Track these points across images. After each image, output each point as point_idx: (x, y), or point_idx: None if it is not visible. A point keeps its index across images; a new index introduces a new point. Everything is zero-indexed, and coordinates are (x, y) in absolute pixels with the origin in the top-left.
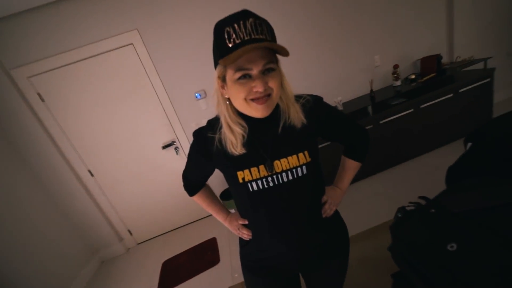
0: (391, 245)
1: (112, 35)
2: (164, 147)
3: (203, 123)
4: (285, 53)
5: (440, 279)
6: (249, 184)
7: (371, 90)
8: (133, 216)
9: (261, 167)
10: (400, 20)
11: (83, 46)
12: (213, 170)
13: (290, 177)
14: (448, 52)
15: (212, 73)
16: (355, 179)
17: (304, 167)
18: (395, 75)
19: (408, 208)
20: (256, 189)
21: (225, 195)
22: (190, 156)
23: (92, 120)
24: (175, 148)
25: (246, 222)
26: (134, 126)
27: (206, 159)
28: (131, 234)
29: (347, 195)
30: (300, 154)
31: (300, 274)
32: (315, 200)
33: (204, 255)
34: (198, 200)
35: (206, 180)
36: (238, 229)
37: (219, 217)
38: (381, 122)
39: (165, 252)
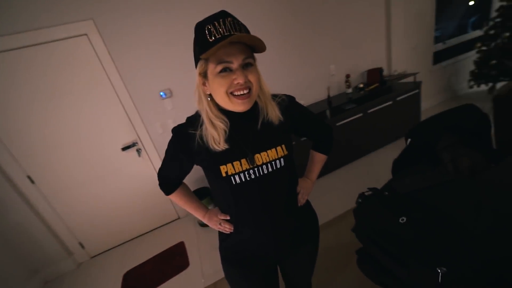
0: (354, 226)
1: (63, 22)
2: (124, 148)
3: (169, 123)
4: (262, 47)
5: (394, 248)
6: (232, 178)
7: (328, 96)
8: (85, 227)
9: (243, 160)
10: (351, 35)
11: (27, 31)
12: (191, 168)
13: (270, 169)
14: (387, 66)
15: (179, 72)
16: (333, 168)
17: (282, 159)
18: (347, 83)
19: (366, 194)
20: (239, 181)
21: (197, 195)
22: (169, 153)
23: (34, 117)
24: (137, 150)
25: (228, 217)
26: (88, 125)
27: (187, 156)
28: (82, 247)
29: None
30: (278, 148)
31: (277, 264)
32: (291, 190)
33: (172, 260)
34: (175, 199)
35: (184, 178)
36: (220, 224)
37: (197, 214)
38: (337, 124)
39: (126, 262)
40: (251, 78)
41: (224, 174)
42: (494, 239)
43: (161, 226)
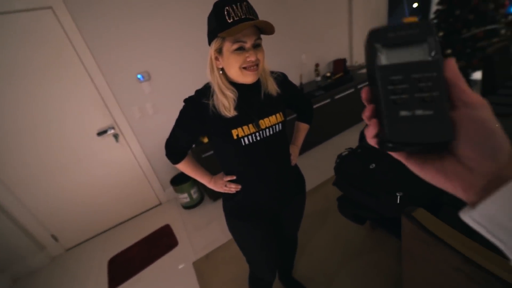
0: (335, 180)
1: None
2: (100, 133)
3: (147, 108)
4: (272, 31)
5: (368, 186)
6: (242, 140)
7: (301, 83)
8: (59, 218)
9: (250, 125)
10: (319, 29)
11: None
12: (200, 136)
13: (272, 132)
14: (350, 58)
15: (158, 54)
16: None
17: (280, 124)
18: (317, 72)
19: (343, 154)
20: (247, 143)
21: (176, 180)
22: (180, 122)
23: None
24: (114, 135)
25: (234, 177)
26: (57, 108)
27: (200, 124)
28: (56, 240)
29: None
30: (277, 114)
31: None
32: (286, 150)
33: (159, 241)
34: (183, 167)
35: (191, 146)
36: (226, 185)
37: (204, 180)
38: None
39: (109, 249)
40: (260, 56)
41: (235, 137)
42: None
43: (143, 212)
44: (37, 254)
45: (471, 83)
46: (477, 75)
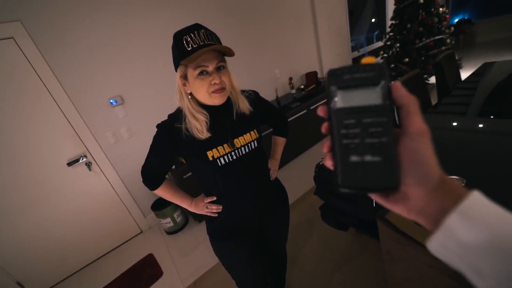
0: (315, 190)
1: None
2: (70, 163)
3: (122, 132)
4: (231, 53)
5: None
6: (217, 160)
7: (277, 96)
8: (25, 261)
9: (225, 145)
10: (289, 44)
11: None
12: (175, 160)
13: (247, 150)
14: (320, 70)
15: (131, 78)
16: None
17: (255, 141)
18: (291, 85)
19: (321, 163)
20: (224, 163)
21: (157, 205)
22: (155, 148)
23: None
24: (87, 164)
25: (214, 198)
26: (21, 139)
27: (174, 148)
28: (22, 287)
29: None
30: (252, 132)
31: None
32: (264, 166)
33: (142, 274)
34: (162, 192)
35: (168, 171)
36: (206, 207)
37: (184, 203)
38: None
39: None
40: (224, 78)
41: (211, 158)
42: None
43: (123, 243)
44: None
45: (428, 87)
46: (433, 79)
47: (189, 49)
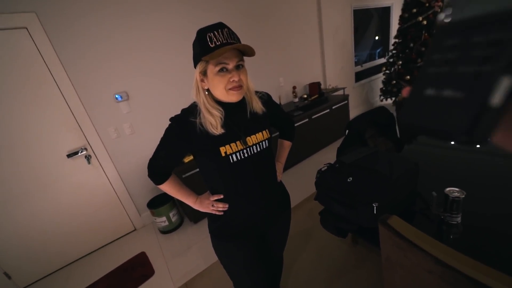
0: (316, 195)
1: (0, 11)
2: (70, 155)
3: (124, 127)
4: (252, 53)
5: (347, 198)
6: (230, 157)
7: (280, 104)
8: (14, 252)
9: (238, 142)
10: (295, 55)
11: None
12: (186, 155)
13: (259, 149)
14: (323, 81)
15: (137, 74)
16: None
17: (266, 141)
18: (294, 94)
19: (323, 169)
20: (236, 160)
21: (153, 203)
22: (166, 141)
23: None
24: (86, 156)
25: (221, 196)
26: (24, 127)
27: (186, 142)
28: (9, 277)
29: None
30: (264, 132)
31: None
32: (273, 167)
33: (132, 272)
34: (167, 187)
35: (175, 166)
36: (212, 205)
37: (189, 200)
38: None
39: (74, 285)
40: (243, 77)
41: (223, 154)
42: (401, 183)
43: (115, 240)
44: None
45: None
46: None
47: (212, 46)
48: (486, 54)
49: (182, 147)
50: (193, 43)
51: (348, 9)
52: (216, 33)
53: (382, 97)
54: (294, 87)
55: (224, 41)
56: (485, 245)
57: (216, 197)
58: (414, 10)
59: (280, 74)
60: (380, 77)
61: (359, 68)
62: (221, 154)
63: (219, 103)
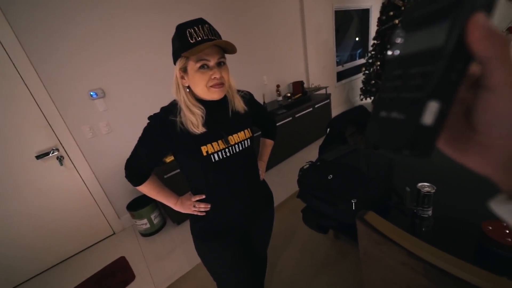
0: (298, 193)
1: None
2: (39, 156)
3: (100, 126)
4: (233, 50)
5: (327, 195)
6: (211, 156)
7: (264, 102)
8: None
9: (220, 141)
10: (279, 53)
11: None
12: (166, 155)
13: (241, 148)
14: (307, 80)
15: (113, 70)
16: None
17: (248, 140)
18: (278, 92)
19: (305, 167)
20: (218, 159)
21: (133, 205)
22: (145, 140)
23: None
24: (58, 157)
25: (203, 197)
26: None
27: (167, 141)
28: None
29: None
30: (246, 131)
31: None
32: (255, 167)
33: (112, 278)
34: (146, 189)
35: (155, 166)
36: (194, 206)
37: (170, 201)
38: None
39: None
40: (224, 74)
41: (205, 153)
42: (377, 179)
43: (93, 245)
44: None
45: None
46: None
47: (192, 41)
48: (418, 83)
49: (162, 146)
50: (172, 39)
51: (330, 9)
52: (196, 29)
53: (362, 96)
54: (278, 86)
55: (204, 37)
56: (453, 235)
57: (197, 198)
58: (391, 13)
59: (263, 72)
60: (360, 77)
61: (340, 68)
62: (202, 153)
63: (200, 101)
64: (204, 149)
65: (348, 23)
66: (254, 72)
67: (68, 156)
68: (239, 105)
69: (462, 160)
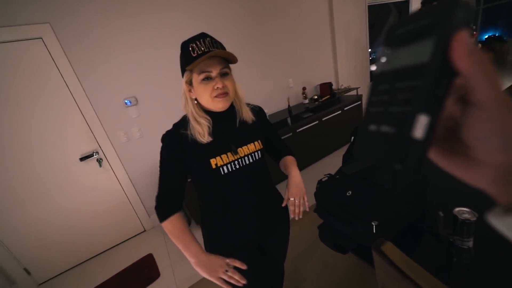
0: (315, 207)
1: (16, 24)
2: (83, 158)
3: (133, 132)
4: (234, 59)
5: (344, 213)
6: (221, 169)
7: (289, 106)
8: (33, 250)
9: (229, 153)
10: (305, 54)
11: None
12: (186, 172)
13: (251, 160)
14: (335, 81)
15: (146, 80)
16: (280, 180)
17: (259, 151)
18: (304, 95)
19: (323, 180)
20: (227, 171)
21: None
22: (164, 161)
23: None
24: (98, 160)
25: (238, 263)
26: (40, 133)
27: (182, 154)
28: (28, 273)
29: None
30: (256, 142)
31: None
32: (267, 179)
33: (139, 275)
34: (171, 226)
35: (183, 188)
36: (226, 271)
37: (190, 250)
38: (297, 130)
39: (84, 285)
40: (228, 84)
41: (214, 166)
42: (405, 197)
43: (125, 241)
44: None
45: None
46: None
47: (194, 55)
48: (406, 97)
49: (180, 159)
50: (180, 56)
51: (362, 4)
52: (198, 43)
53: None
54: (304, 88)
55: (206, 50)
56: (499, 275)
57: (232, 262)
58: (434, 3)
59: (289, 75)
60: None
61: (375, 66)
62: (211, 166)
63: (208, 112)
64: (213, 161)
65: (386, 16)
66: (279, 75)
67: (106, 158)
68: (247, 115)
69: (457, 173)
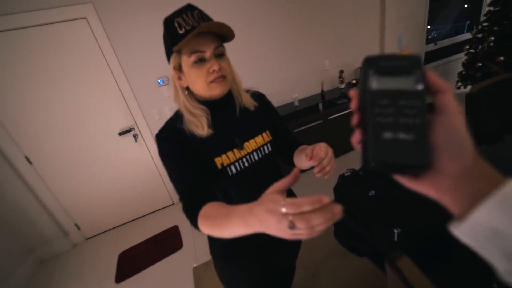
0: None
1: (62, 4)
2: (121, 133)
3: (165, 110)
4: (231, 34)
5: (361, 214)
6: (228, 168)
7: (322, 90)
8: (82, 208)
9: (235, 150)
10: (346, 33)
11: (25, 12)
12: (197, 158)
13: (260, 155)
14: None
15: None
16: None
17: (268, 144)
18: (341, 79)
19: (346, 174)
20: (235, 171)
21: None
22: (171, 156)
23: (30, 99)
24: (134, 135)
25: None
26: (84, 108)
27: (188, 148)
28: (78, 228)
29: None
30: (264, 134)
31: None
32: (278, 176)
33: (165, 242)
34: (208, 222)
35: (203, 177)
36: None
37: (238, 217)
38: (329, 118)
39: (121, 244)
40: (224, 65)
41: (220, 166)
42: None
43: (156, 211)
44: (61, 240)
45: None
46: None
47: (181, 32)
48: (412, 112)
49: (188, 153)
50: (163, 36)
51: None
52: (185, 17)
53: (459, 84)
54: (341, 71)
55: (196, 24)
56: None
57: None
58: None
59: (325, 56)
60: (461, 57)
61: (431, 47)
62: (217, 166)
63: (203, 102)
64: (218, 161)
65: None
66: (314, 55)
67: (141, 134)
68: (247, 100)
69: (415, 187)
